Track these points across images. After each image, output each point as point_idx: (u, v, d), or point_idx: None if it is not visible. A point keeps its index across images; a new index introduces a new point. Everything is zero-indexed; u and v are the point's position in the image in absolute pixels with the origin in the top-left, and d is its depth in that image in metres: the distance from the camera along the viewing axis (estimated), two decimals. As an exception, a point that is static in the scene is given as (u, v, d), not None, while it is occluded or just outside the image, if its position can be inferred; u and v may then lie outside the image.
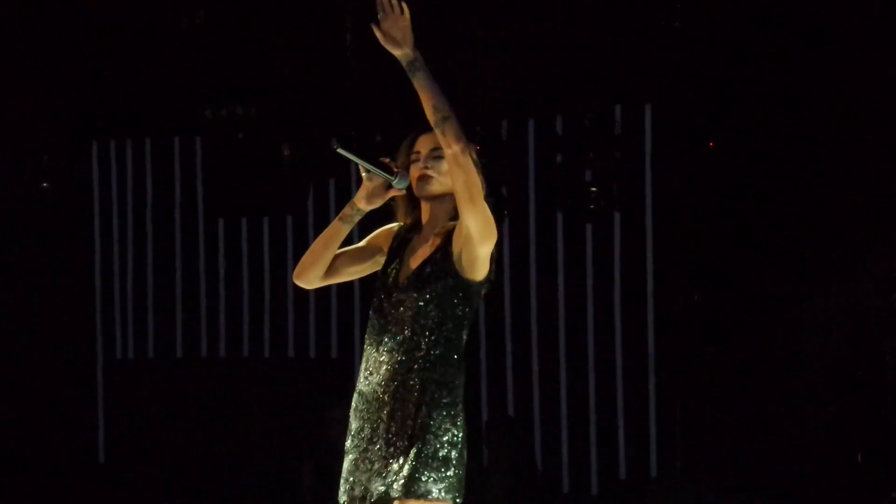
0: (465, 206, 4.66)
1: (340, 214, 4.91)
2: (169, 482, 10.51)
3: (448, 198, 4.81)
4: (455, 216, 4.78)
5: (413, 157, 4.83)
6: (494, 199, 8.70)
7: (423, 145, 4.86)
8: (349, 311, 10.20)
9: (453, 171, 4.65)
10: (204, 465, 10.43)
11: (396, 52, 4.65)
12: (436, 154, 4.80)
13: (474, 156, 4.81)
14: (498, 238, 4.78)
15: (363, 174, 4.85)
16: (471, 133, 9.20)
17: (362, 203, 4.88)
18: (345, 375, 9.88)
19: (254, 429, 10.37)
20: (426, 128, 4.78)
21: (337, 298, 10.26)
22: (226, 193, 10.60)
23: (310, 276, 4.97)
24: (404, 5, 4.65)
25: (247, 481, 10.25)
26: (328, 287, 5.53)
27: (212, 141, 10.71)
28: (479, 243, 4.71)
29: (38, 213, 10.99)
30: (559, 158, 9.58)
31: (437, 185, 4.81)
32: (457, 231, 4.75)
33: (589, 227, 9.60)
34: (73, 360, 11.14)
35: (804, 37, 8.97)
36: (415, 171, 4.81)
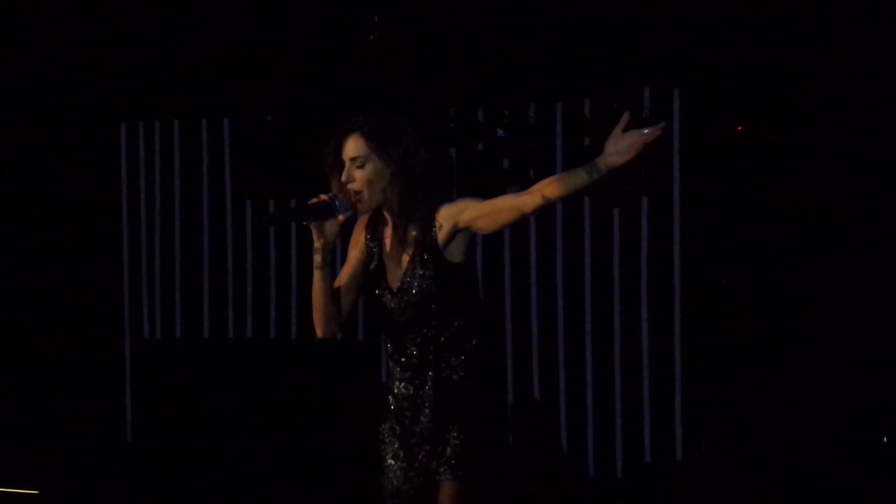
0: (499, 224, 4.56)
1: (314, 265, 4.64)
2: (195, 460, 10.23)
3: (393, 190, 4.62)
4: (414, 199, 4.61)
5: (342, 166, 4.63)
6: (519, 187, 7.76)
7: (346, 153, 4.64)
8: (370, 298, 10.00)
9: (511, 218, 4.56)
10: (230, 443, 10.16)
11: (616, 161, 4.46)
12: (357, 164, 4.61)
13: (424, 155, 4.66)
14: (512, 220, 4.62)
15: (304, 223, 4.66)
16: (499, 115, 9.53)
17: (321, 244, 4.62)
18: (370, 357, 9.72)
19: (279, 409, 10.13)
20: (349, 128, 4.62)
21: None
22: (253, 175, 10.33)
23: (329, 327, 4.74)
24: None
25: (271, 460, 9.97)
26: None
27: (240, 123, 10.48)
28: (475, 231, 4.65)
29: (66, 194, 10.80)
30: (587, 142, 9.27)
31: (372, 199, 4.62)
32: (450, 225, 4.57)
33: (616, 211, 9.27)
34: (100, 341, 10.87)
35: (837, 18, 8.60)
36: (345, 184, 4.61)
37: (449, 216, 4.59)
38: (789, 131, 8.82)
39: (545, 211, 4.56)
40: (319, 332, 4.78)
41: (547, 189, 4.46)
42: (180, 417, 10.41)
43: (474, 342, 4.66)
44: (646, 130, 4.40)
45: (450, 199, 4.66)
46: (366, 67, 9.60)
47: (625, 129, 4.41)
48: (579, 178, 4.44)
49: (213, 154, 10.62)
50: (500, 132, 9.40)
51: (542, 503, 8.97)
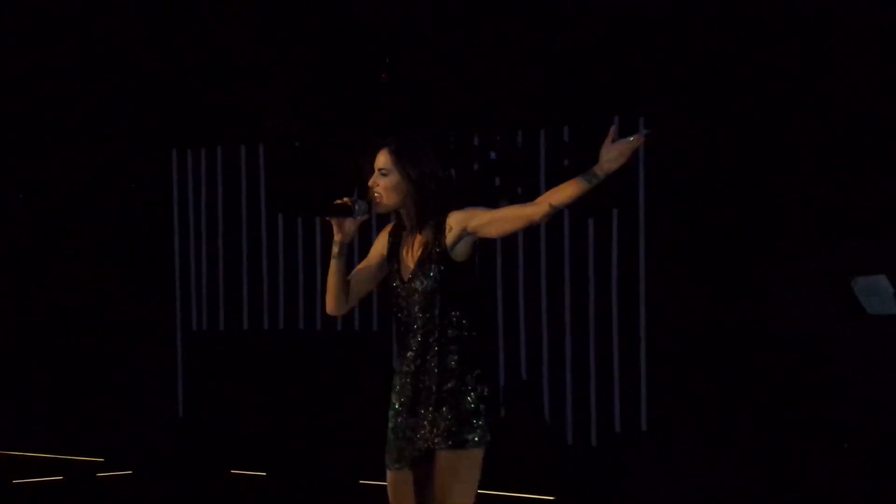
0: (506, 231, 4.67)
1: (332, 254, 4.77)
2: (236, 431, 10.52)
3: (409, 201, 4.71)
4: (426, 209, 4.69)
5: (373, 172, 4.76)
6: (509, 201, 8.35)
7: (376, 162, 4.74)
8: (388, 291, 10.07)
9: (519, 225, 4.63)
10: (265, 417, 10.41)
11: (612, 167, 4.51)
12: (382, 173, 4.70)
13: (440, 175, 4.71)
14: (520, 228, 4.67)
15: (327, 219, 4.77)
16: (491, 140, 9.67)
17: (339, 237, 4.74)
18: (383, 345, 9.88)
19: (306, 388, 10.32)
20: (382, 143, 4.72)
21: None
22: (284, 192, 10.59)
23: (336, 308, 4.83)
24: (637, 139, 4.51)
25: (298, 432, 10.21)
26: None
27: (272, 149, 10.75)
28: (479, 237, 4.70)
29: (128, 209, 11.18)
30: (566, 162, 9.46)
31: (386, 202, 4.72)
32: (459, 229, 4.65)
33: (591, 220, 9.52)
34: (157, 333, 11.26)
35: (777, 56, 8.89)
36: (371, 189, 4.73)
37: (458, 221, 4.65)
38: (736, 154, 8.97)
39: (553, 218, 4.53)
40: (328, 310, 4.84)
41: (553, 198, 4.52)
42: (224, 396, 10.61)
43: (470, 330, 4.70)
44: (632, 138, 4.46)
45: (459, 207, 4.69)
46: (379, 101, 9.83)
47: (613, 140, 4.47)
48: (580, 185, 4.48)
49: (250, 175, 10.95)
50: (493, 154, 9.60)
51: (528, 467, 9.19)
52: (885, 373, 8.31)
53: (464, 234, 4.64)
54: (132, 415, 10.97)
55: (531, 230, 9.34)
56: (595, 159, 4.50)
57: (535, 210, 4.54)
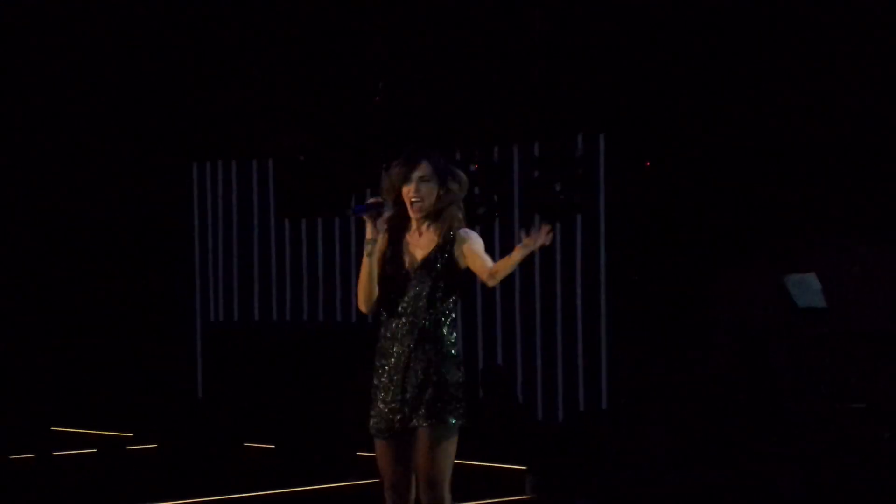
0: (473, 268, 4.96)
1: (365, 253, 4.97)
2: (249, 410, 10.76)
3: (437, 203, 4.95)
4: (439, 207, 4.95)
5: (406, 181, 4.97)
6: (486, 208, 8.78)
7: (417, 172, 4.96)
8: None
9: (477, 273, 4.91)
10: (273, 397, 10.59)
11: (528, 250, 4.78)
12: (423, 180, 4.95)
13: (461, 184, 5.00)
14: (477, 272, 4.91)
15: (365, 217, 4.98)
16: (471, 155, 9.58)
17: (372, 234, 4.94)
18: (376, 337, 9.94)
19: (309, 372, 10.45)
20: (421, 155, 4.98)
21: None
22: (291, 201, 10.93)
23: (370, 303, 4.99)
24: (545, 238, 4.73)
25: (302, 411, 10.34)
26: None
27: (280, 162, 11.05)
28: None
29: (153, 215, 11.61)
30: (536, 174, 9.79)
31: (427, 207, 4.96)
32: (462, 251, 4.93)
33: (558, 224, 9.69)
34: (179, 322, 11.68)
35: (720, 74, 9.07)
36: (407, 194, 4.96)
37: (463, 238, 4.92)
38: (684, 166, 9.31)
39: (496, 280, 4.71)
40: (362, 308, 4.96)
41: (494, 267, 4.80)
42: (238, 379, 10.83)
43: (452, 321, 4.91)
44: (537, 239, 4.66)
45: (471, 229, 5.01)
46: (373, 120, 10.21)
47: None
48: (516, 252, 4.72)
49: (261, 185, 11.23)
50: (472, 167, 9.82)
51: (503, 440, 9.35)
52: (812, 355, 8.64)
53: (460, 250, 4.94)
54: (157, 395, 11.25)
55: (508, 235, 9.83)
56: (566, 170, 4.71)
57: (486, 269, 4.83)
